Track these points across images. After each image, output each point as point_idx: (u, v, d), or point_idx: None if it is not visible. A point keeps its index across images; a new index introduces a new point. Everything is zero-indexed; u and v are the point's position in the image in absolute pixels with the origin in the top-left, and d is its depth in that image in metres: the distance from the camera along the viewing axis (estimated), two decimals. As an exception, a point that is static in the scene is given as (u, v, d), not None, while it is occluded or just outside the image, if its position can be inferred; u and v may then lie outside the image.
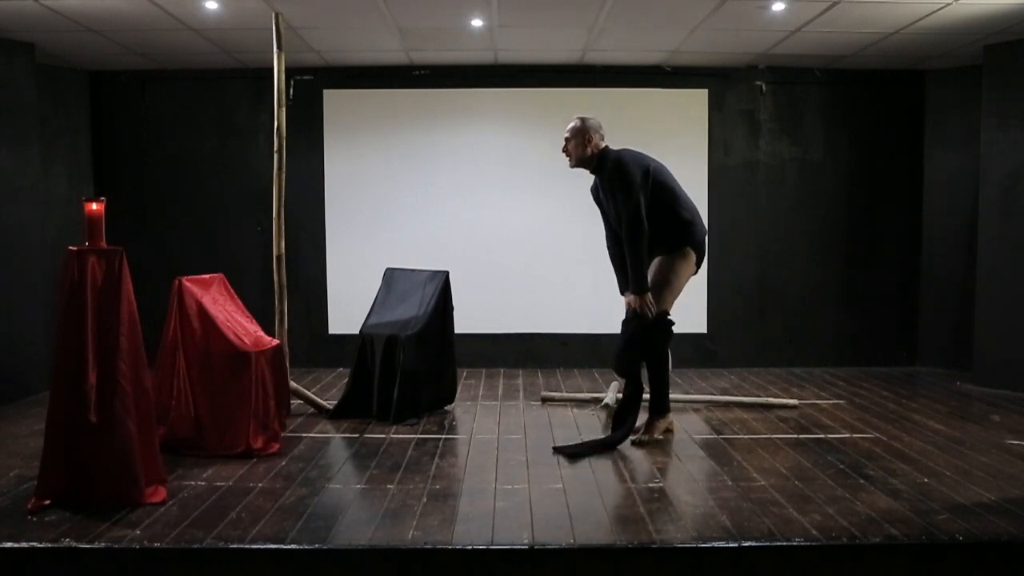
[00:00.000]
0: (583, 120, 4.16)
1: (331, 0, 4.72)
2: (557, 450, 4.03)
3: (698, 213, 4.23)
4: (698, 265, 4.24)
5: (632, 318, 4.09)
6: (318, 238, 6.42)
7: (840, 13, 4.88)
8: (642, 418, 4.34)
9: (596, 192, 4.33)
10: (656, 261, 4.15)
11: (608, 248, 4.37)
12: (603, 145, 4.17)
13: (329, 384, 5.75)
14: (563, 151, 4.21)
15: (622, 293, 4.29)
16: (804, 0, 4.69)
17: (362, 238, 6.39)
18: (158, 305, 4.16)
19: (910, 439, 4.24)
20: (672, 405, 4.48)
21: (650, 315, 4.04)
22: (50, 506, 3.13)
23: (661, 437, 4.23)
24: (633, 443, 4.13)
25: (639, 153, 4.15)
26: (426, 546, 2.78)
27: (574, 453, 3.97)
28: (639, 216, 3.98)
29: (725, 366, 6.42)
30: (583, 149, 4.14)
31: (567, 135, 4.18)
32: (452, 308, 4.94)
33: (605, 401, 5.00)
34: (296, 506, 3.19)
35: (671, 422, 4.35)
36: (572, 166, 4.23)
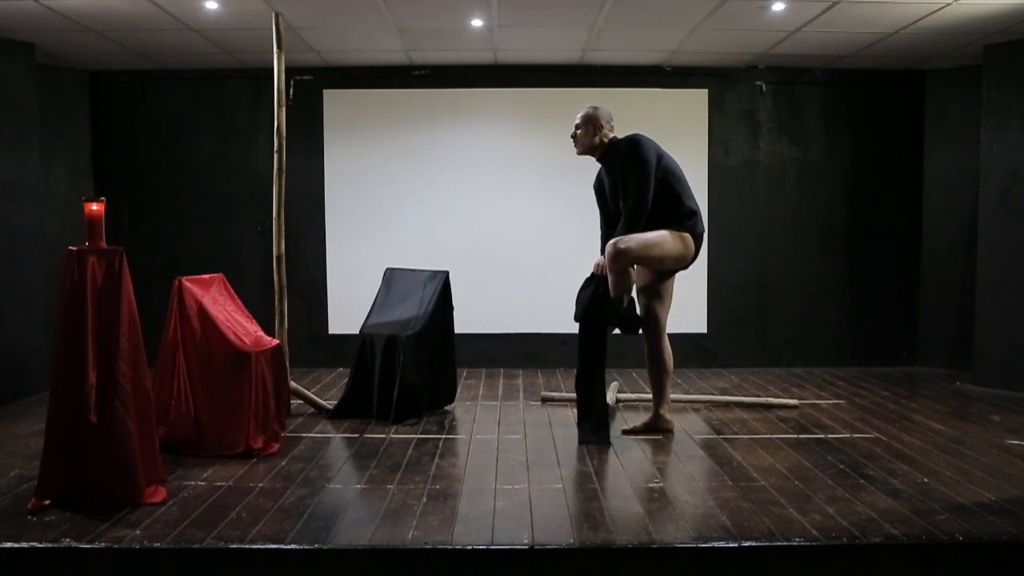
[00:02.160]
0: (595, 109, 4.21)
1: (331, 0, 4.72)
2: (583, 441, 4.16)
3: (700, 211, 4.22)
4: (690, 262, 4.23)
5: (592, 286, 4.11)
6: (318, 238, 6.42)
7: (840, 13, 4.88)
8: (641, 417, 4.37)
9: (600, 183, 4.34)
10: (657, 230, 4.10)
11: (602, 239, 4.35)
12: (611, 136, 4.20)
13: (329, 384, 5.75)
14: (571, 136, 4.24)
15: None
16: (804, 0, 4.69)
17: (362, 238, 6.39)
18: (158, 305, 4.16)
19: (910, 439, 4.24)
20: (672, 405, 4.48)
21: (609, 274, 4.02)
22: (50, 506, 3.12)
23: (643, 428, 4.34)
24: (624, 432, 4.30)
25: (651, 140, 4.15)
26: (426, 546, 2.78)
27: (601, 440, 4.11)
28: (646, 198, 4.00)
29: (725, 366, 6.42)
30: (591, 138, 4.18)
31: (577, 122, 4.21)
32: (452, 308, 4.94)
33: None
34: (296, 506, 3.19)
35: (669, 422, 4.36)
36: (579, 153, 4.27)
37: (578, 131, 4.21)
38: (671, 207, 4.09)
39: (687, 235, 4.10)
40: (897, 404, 5.12)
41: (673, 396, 4.75)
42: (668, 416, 4.35)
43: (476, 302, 6.10)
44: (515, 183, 6.39)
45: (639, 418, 4.51)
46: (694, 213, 4.14)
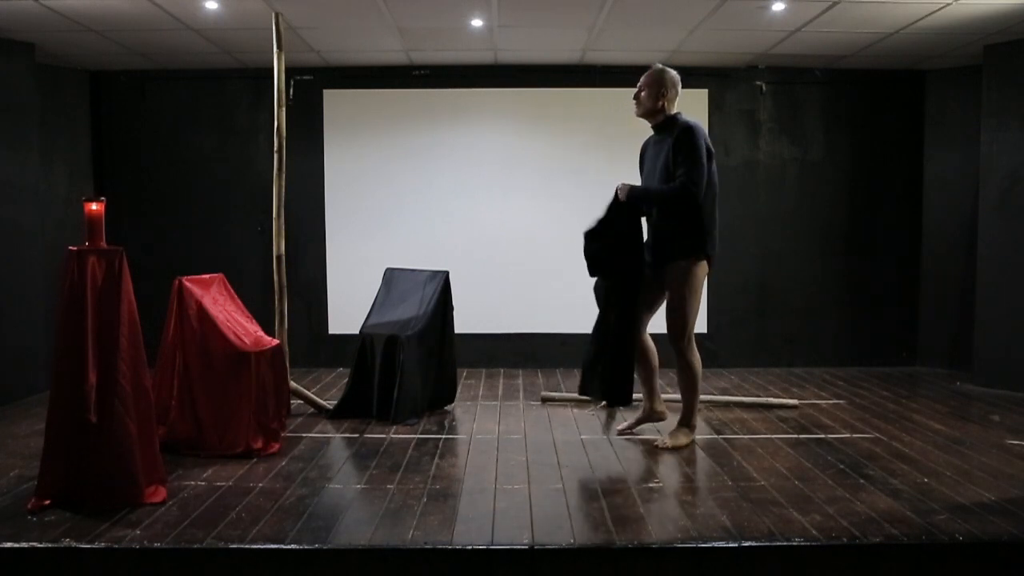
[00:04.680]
0: (663, 71, 4.01)
1: (331, 0, 4.72)
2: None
3: (716, 226, 4.04)
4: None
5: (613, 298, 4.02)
6: (318, 238, 6.42)
7: (840, 13, 4.88)
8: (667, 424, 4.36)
9: (645, 150, 4.19)
10: (675, 278, 3.97)
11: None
12: (675, 110, 4.02)
13: (329, 384, 5.75)
14: (634, 97, 4.06)
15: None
16: (804, 0, 4.69)
17: (362, 238, 6.39)
18: (158, 305, 4.16)
19: (910, 439, 4.24)
20: (671, 405, 4.47)
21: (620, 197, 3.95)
22: (50, 506, 3.13)
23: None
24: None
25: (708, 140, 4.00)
26: (426, 546, 2.78)
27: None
28: (700, 184, 3.82)
29: (725, 366, 6.42)
30: (654, 101, 3.99)
31: (643, 81, 4.03)
32: (452, 308, 4.94)
33: (605, 401, 4.98)
34: (296, 506, 3.19)
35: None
36: (638, 115, 4.08)
37: (642, 92, 4.02)
38: (690, 222, 3.91)
39: (703, 262, 3.98)
40: (897, 404, 5.12)
41: (673, 397, 4.74)
42: (661, 408, 4.31)
43: (476, 302, 6.10)
44: (515, 183, 6.39)
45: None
46: (709, 233, 3.96)
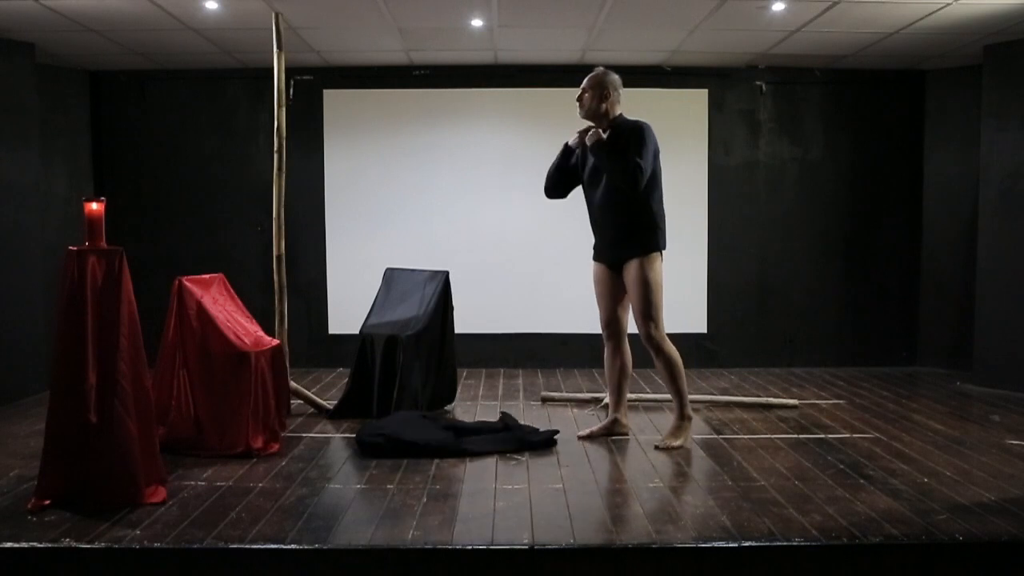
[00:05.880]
0: (605, 73, 4.09)
1: (331, 0, 4.72)
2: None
3: (665, 221, 4.11)
4: None
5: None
6: (318, 238, 6.42)
7: (840, 13, 4.88)
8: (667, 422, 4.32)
9: (579, 147, 4.20)
10: (635, 275, 4.00)
11: (593, 214, 4.24)
12: (619, 112, 4.09)
13: (329, 384, 5.75)
14: (577, 99, 4.12)
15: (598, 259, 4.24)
16: (804, 0, 4.69)
17: (362, 238, 6.39)
18: (158, 305, 4.16)
19: (910, 439, 4.24)
20: (667, 404, 4.46)
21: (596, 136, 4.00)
22: (50, 506, 3.12)
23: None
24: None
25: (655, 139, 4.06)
26: (426, 546, 2.78)
27: None
28: (645, 174, 3.88)
29: (725, 366, 6.42)
30: (598, 103, 4.05)
31: (586, 84, 4.10)
32: (452, 308, 4.94)
33: (605, 401, 4.99)
34: (296, 506, 3.19)
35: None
36: (582, 116, 4.13)
37: (585, 94, 4.09)
38: (642, 216, 3.99)
39: (658, 255, 4.04)
40: (897, 404, 5.12)
41: (665, 397, 4.74)
42: (624, 420, 4.32)
43: (476, 302, 6.09)
44: (515, 183, 6.39)
45: (637, 419, 4.51)
46: (659, 228, 4.04)
